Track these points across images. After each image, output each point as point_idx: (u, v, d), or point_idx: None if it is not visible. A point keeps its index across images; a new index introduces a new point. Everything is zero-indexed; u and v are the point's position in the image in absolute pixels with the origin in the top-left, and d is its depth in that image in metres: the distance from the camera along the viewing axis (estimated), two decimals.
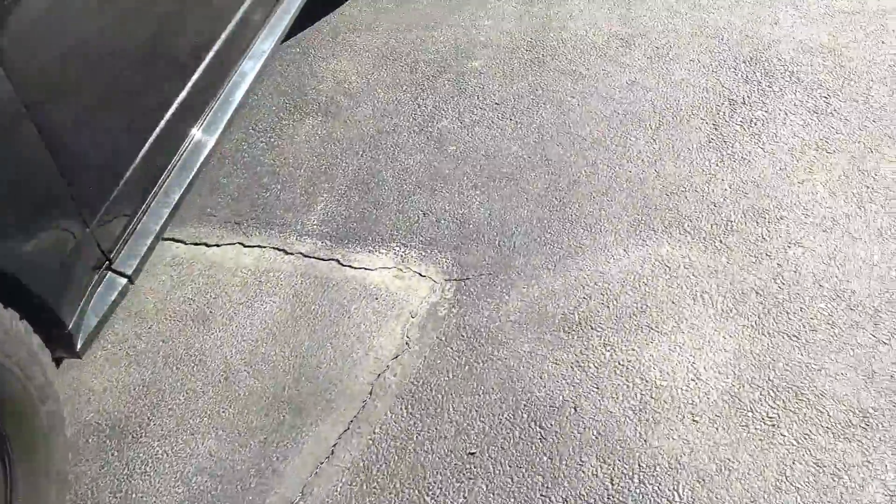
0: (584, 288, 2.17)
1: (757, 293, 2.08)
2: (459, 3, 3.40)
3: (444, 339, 2.09)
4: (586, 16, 3.23)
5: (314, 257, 2.41)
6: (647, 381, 1.91)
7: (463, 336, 2.09)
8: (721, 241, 2.24)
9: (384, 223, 2.47)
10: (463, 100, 2.92)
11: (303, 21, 3.38)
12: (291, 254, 2.43)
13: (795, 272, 2.12)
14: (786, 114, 2.65)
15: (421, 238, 2.41)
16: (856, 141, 2.49)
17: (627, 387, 1.91)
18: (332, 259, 2.39)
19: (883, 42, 2.89)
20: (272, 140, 2.88)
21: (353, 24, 3.40)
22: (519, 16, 3.30)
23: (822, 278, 2.09)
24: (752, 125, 2.61)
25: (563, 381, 1.94)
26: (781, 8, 3.16)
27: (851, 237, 2.19)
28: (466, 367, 2.02)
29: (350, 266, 2.36)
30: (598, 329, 2.06)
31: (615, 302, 2.12)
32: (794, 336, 1.96)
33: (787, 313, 2.02)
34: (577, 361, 1.98)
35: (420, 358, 2.06)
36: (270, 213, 2.58)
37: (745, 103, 2.72)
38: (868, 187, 2.33)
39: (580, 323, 2.08)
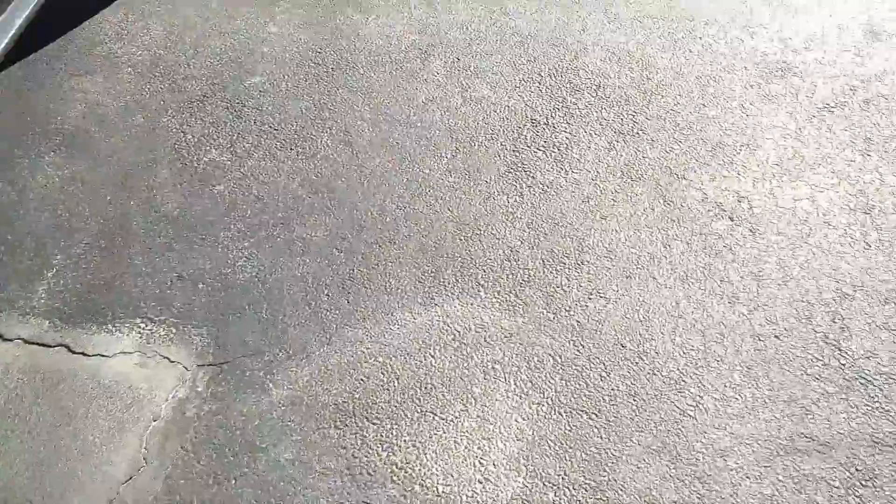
0: (362, 366, 1.85)
1: (554, 359, 1.83)
2: (243, 6, 2.97)
3: (190, 448, 1.71)
4: (383, 21, 2.88)
5: (38, 344, 1.95)
6: (427, 489, 1.62)
7: (214, 443, 1.72)
8: (517, 296, 1.97)
9: (130, 291, 2.05)
10: (237, 124, 2.51)
11: (53, 28, 2.84)
12: (10, 340, 1.96)
13: (597, 330, 1.89)
14: (591, 135, 2.42)
15: (173, 309, 2.00)
16: (662, 166, 2.30)
17: (404, 498, 1.61)
18: (62, 345, 1.94)
19: (690, 51, 2.73)
20: (1, 185, 2.36)
21: (115, 32, 2.89)
22: (308, 21, 2.91)
23: (624, 336, 1.87)
24: (555, 150, 2.37)
25: (330, 498, 1.62)
26: (590, 12, 2.95)
27: (656, 283, 1.98)
28: (215, 488, 1.65)
29: (83, 353, 1.92)
30: (375, 420, 1.74)
31: (396, 382, 1.81)
32: (595, 413, 1.73)
33: (587, 384, 1.78)
34: (348, 467, 1.66)
35: (159, 478, 1.67)
36: None
37: (548, 124, 2.47)
38: (674, 220, 2.14)
39: (355, 413, 1.76)
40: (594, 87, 2.60)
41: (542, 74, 2.65)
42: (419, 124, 2.48)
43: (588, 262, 2.04)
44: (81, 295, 2.04)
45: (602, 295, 1.96)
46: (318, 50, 2.78)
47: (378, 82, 2.64)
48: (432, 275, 2.03)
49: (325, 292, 2.01)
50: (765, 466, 1.61)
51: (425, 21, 2.89)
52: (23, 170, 2.40)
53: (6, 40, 2.26)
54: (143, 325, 1.96)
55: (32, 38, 2.77)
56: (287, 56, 2.76)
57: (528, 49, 2.76)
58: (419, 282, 2.02)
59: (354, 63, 2.71)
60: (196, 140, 2.46)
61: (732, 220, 2.12)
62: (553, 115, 2.50)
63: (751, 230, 2.10)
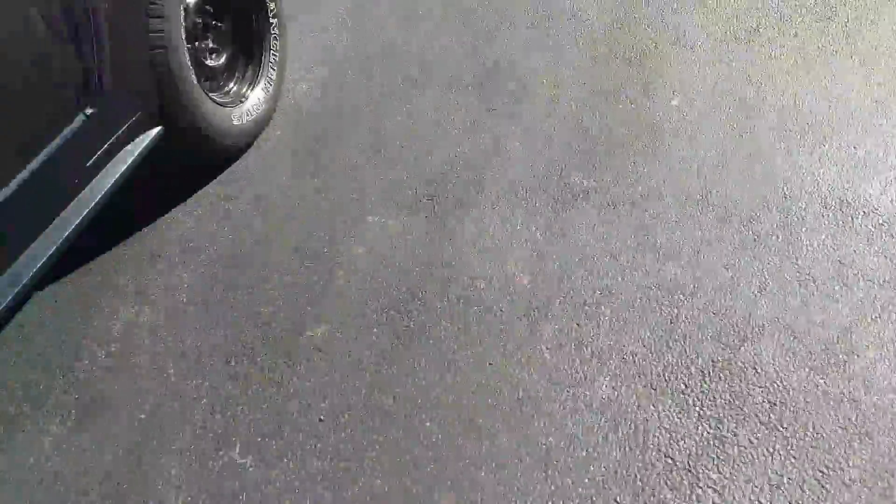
0: None
1: None
2: (332, 209, 2.47)
3: None
4: (493, 249, 2.27)
5: None
6: None
7: None
8: None
9: None
10: (273, 407, 1.95)
11: (112, 233, 2.46)
12: None
13: None
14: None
15: None
16: None
17: None
18: None
19: None
20: None
21: (182, 242, 2.46)
22: (405, 239, 2.35)
23: None
24: None
25: None
26: (770, 260, 2.16)
27: None
28: None
29: None
30: None
31: None
32: None
33: None
34: None
35: None
36: None
37: (690, 469, 1.72)
38: None
39: None
40: (766, 405, 1.81)
41: (692, 368, 1.90)
42: (502, 445, 1.80)
43: None
44: None
45: None
46: (406, 288, 2.19)
47: (464, 358, 2.00)
48: None
49: None
50: None
51: (542, 253, 2.23)
52: (22, 441, 1.96)
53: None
54: None
55: (85, 250, 2.40)
56: (370, 297, 2.19)
57: (675, 316, 2.03)
58: None
59: (445, 318, 2.10)
60: (221, 424, 1.93)
61: None
62: (700, 451, 1.73)
63: None
